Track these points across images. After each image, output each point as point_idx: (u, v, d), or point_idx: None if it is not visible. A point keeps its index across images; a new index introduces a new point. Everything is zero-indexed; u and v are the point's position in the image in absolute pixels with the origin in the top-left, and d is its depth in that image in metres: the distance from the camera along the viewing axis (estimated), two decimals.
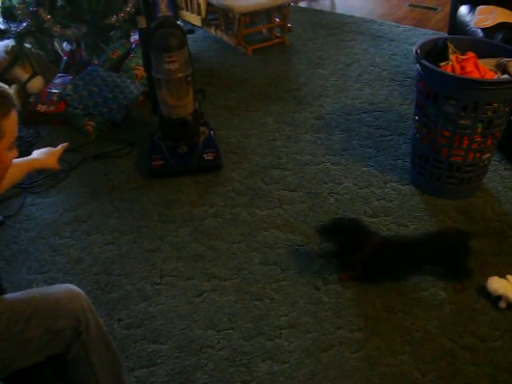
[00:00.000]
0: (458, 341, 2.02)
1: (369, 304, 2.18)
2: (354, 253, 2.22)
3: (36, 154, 1.83)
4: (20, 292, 1.52)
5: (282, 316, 2.14)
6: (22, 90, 3.48)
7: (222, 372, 1.93)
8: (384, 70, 4.04)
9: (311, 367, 1.94)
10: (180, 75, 2.71)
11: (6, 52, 3.42)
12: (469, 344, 2.01)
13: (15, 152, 1.43)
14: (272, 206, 2.71)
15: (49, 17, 3.17)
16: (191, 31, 2.87)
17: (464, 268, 2.25)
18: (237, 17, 4.25)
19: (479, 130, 2.44)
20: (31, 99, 3.47)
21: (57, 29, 3.23)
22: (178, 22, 2.73)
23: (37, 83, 3.50)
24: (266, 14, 4.53)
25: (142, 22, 2.71)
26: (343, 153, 3.10)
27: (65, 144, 1.90)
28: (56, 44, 3.70)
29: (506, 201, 2.70)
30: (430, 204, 2.70)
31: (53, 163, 1.82)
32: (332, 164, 3.01)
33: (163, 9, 2.65)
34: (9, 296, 1.49)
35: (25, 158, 1.74)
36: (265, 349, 2.01)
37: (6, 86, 1.38)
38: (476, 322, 2.09)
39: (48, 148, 1.86)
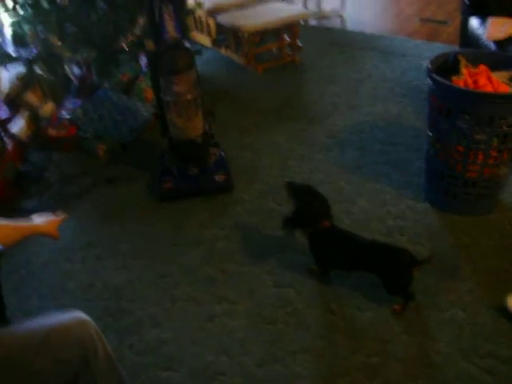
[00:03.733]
0: (479, 363, 1.94)
1: (386, 327, 2.11)
2: (307, 225, 2.26)
3: (36, 219, 1.80)
4: (28, 321, 1.50)
5: (296, 340, 2.08)
6: (34, 116, 3.50)
7: None
8: (396, 85, 4.00)
9: None
10: (188, 97, 2.70)
11: (18, 79, 3.45)
12: (489, 366, 1.93)
13: None
14: None
15: (59, 44, 3.20)
16: (199, 52, 2.86)
17: (400, 287, 2.14)
18: (246, 36, 4.25)
19: (495, 144, 2.38)
20: (42, 124, 3.48)
21: (67, 54, 3.25)
22: (186, 44, 2.73)
23: (48, 108, 3.51)
24: (276, 32, 4.53)
25: (150, 45, 2.72)
26: (357, 171, 3.05)
27: (66, 215, 1.90)
28: (66, 68, 3.73)
29: None
30: (447, 221, 2.63)
31: (53, 231, 1.79)
32: (345, 183, 2.96)
33: (171, 31, 2.64)
34: (17, 328, 1.48)
35: (25, 223, 1.71)
36: (279, 375, 1.95)
37: None
38: (497, 344, 2.01)
39: (48, 215, 1.84)
